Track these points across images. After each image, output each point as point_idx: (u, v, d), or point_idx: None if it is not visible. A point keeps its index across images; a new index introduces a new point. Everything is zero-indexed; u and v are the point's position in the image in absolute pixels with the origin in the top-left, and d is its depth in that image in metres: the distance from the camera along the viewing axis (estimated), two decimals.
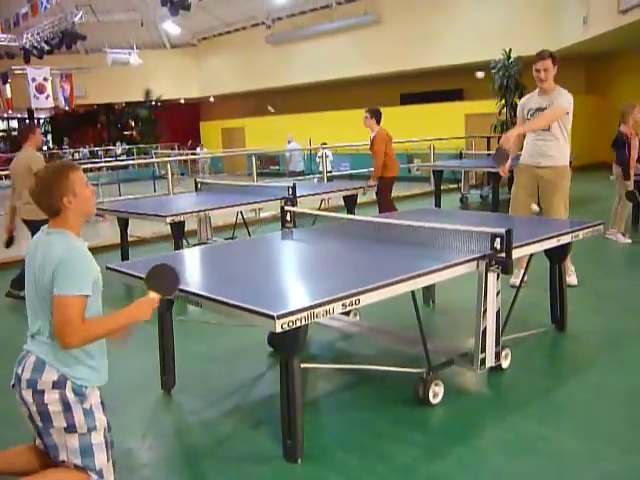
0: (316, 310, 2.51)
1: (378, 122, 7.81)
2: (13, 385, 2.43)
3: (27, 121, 30.12)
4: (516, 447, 2.88)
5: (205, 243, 6.99)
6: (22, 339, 2.49)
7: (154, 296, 2.48)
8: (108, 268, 3.39)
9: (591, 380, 3.61)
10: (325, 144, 13.67)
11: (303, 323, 2.47)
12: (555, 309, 4.36)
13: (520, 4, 16.12)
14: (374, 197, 8.29)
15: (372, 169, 7.94)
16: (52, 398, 2.34)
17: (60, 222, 2.39)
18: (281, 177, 15.87)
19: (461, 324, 4.48)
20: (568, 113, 5.00)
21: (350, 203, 7.51)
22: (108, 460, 2.43)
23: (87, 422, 2.38)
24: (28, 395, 2.35)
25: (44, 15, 19.06)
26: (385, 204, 7.92)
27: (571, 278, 5.26)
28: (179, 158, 21.01)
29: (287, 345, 2.66)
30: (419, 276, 2.95)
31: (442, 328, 4.64)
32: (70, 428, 2.36)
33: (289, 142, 16.46)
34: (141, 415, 3.42)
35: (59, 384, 2.34)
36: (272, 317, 2.38)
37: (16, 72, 23.08)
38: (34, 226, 5.60)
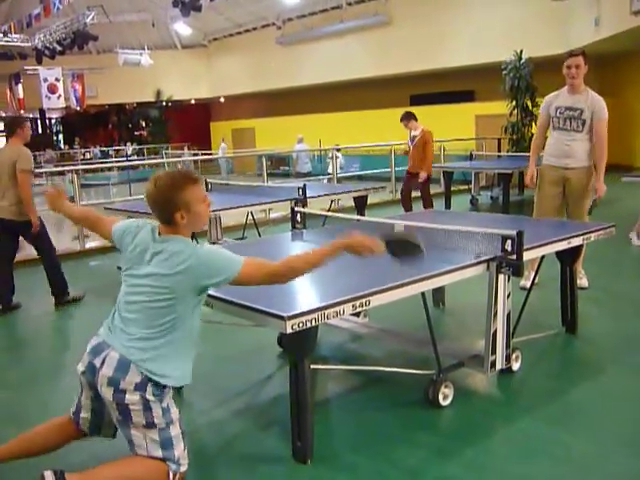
0: (326, 311, 2.51)
1: (416, 120, 8.66)
2: (83, 372, 2.47)
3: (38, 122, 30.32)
4: (526, 450, 2.87)
5: (215, 243, 7.00)
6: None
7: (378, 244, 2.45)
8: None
9: (602, 383, 3.59)
10: (338, 146, 13.65)
11: (313, 324, 2.48)
12: (566, 311, 4.33)
13: (531, 5, 16.06)
14: (384, 198, 8.38)
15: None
16: (134, 399, 2.36)
17: (172, 230, 2.44)
18: (289, 178, 15.85)
19: (471, 326, 4.46)
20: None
21: (360, 204, 7.50)
22: (184, 449, 2.49)
23: (165, 418, 2.42)
24: (108, 393, 2.37)
25: (56, 16, 19.21)
26: (430, 198, 8.83)
27: (582, 281, 5.22)
28: (190, 158, 21.06)
29: (297, 346, 2.66)
30: (429, 278, 2.95)
31: (452, 330, 4.62)
32: (150, 425, 2.40)
33: (298, 142, 16.45)
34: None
35: (142, 386, 2.37)
36: (282, 318, 2.39)
37: (28, 72, 23.28)
38: (11, 226, 5.36)
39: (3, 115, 25.62)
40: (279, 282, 2.46)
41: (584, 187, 5.08)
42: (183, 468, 2.47)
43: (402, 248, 2.52)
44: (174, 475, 2.42)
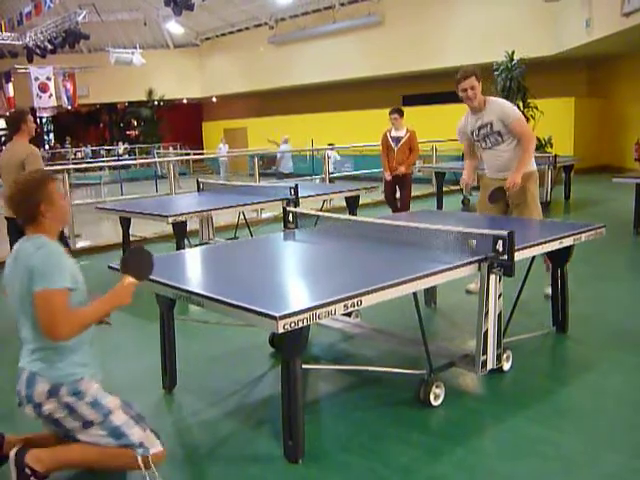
0: (318, 311, 2.51)
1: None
2: (19, 404, 2.50)
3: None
4: (517, 449, 2.88)
5: (207, 243, 7.00)
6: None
7: (131, 281, 2.57)
8: (110, 267, 3.39)
9: (593, 382, 3.61)
10: (332, 145, 13.63)
11: (305, 324, 2.48)
12: (557, 311, 4.35)
13: (523, 6, 16.13)
14: (375, 198, 8.34)
15: (379, 167, 8.23)
16: (51, 407, 2.40)
17: (37, 229, 2.47)
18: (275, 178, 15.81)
19: (463, 326, 4.48)
20: (520, 115, 4.87)
21: (352, 204, 7.51)
22: (144, 431, 2.50)
23: (98, 411, 2.44)
24: (31, 411, 2.43)
25: (47, 14, 19.14)
26: (408, 199, 8.46)
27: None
28: (181, 158, 21.00)
29: (289, 346, 2.66)
30: (421, 278, 2.96)
31: (444, 330, 4.64)
32: (87, 425, 2.43)
33: (283, 143, 16.39)
34: (143, 414, 3.42)
35: (53, 392, 2.39)
36: (274, 318, 2.38)
37: (19, 71, 23.18)
38: (14, 225, 5.09)
39: None
40: (59, 333, 2.34)
41: (524, 193, 4.85)
42: (154, 449, 2.49)
43: (136, 263, 2.63)
44: (144, 458, 2.45)
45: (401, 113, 8.32)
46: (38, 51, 20.46)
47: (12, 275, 2.44)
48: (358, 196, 7.49)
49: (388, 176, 8.31)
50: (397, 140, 8.27)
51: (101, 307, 2.51)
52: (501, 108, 4.80)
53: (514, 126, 4.73)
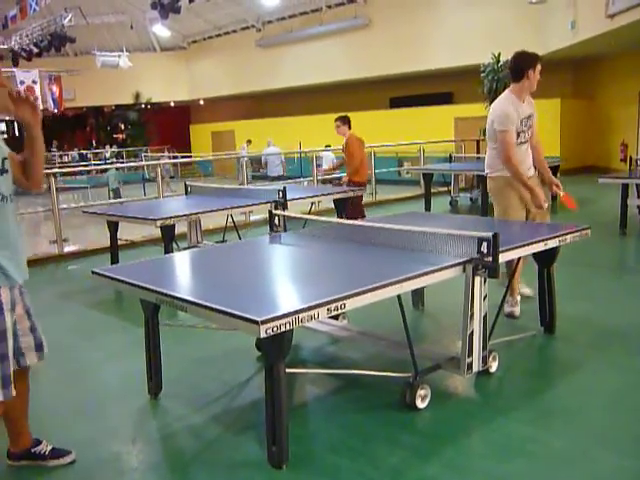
0: (301, 315, 2.49)
1: (349, 128, 8.15)
2: None
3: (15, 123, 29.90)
4: (505, 449, 2.88)
5: (195, 246, 6.97)
6: None
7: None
8: (94, 273, 3.36)
9: (580, 382, 3.61)
10: (329, 146, 13.60)
11: (288, 328, 2.46)
12: (544, 312, 4.36)
13: (508, 8, 16.22)
14: (364, 200, 8.31)
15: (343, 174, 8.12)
16: None
17: None
18: (265, 180, 15.80)
19: (450, 328, 4.47)
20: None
21: (340, 207, 7.50)
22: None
23: None
24: None
25: (33, 17, 18.99)
26: (357, 208, 7.90)
27: (517, 299, 4.74)
28: (170, 161, 20.95)
29: (272, 350, 2.64)
30: (405, 280, 2.94)
31: (431, 332, 4.64)
32: None
33: (268, 145, 16.35)
34: (128, 420, 3.39)
35: None
36: (256, 322, 2.36)
37: (4, 74, 22.95)
38: None
39: None
40: None
41: (492, 195, 4.87)
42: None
43: None
44: None
45: (342, 121, 8.15)
46: (24, 54, 20.34)
47: None
48: (346, 198, 7.48)
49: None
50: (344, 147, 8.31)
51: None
52: (493, 108, 4.71)
53: (535, 122, 4.70)
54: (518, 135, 4.58)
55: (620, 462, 2.75)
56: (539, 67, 4.56)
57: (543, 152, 4.89)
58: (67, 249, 8.31)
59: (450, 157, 12.35)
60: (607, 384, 3.56)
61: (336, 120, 8.19)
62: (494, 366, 3.65)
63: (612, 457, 2.79)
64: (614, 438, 2.96)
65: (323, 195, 7.60)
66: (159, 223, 5.54)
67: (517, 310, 4.67)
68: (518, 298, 4.72)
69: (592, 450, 2.84)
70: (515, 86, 4.60)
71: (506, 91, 4.67)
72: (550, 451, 2.85)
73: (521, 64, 4.56)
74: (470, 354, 3.37)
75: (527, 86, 4.57)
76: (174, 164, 22.54)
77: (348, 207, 7.56)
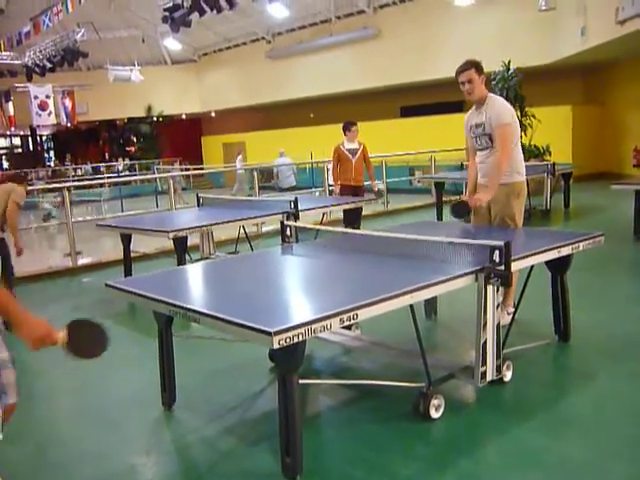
0: (313, 326, 2.50)
1: (345, 134, 8.43)
2: None
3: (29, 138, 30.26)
4: (519, 459, 2.86)
5: (207, 258, 6.99)
6: None
7: (60, 338, 2.22)
8: (107, 285, 3.39)
9: (595, 391, 3.58)
10: None
11: (300, 339, 2.46)
12: (558, 320, 4.34)
13: (518, 16, 16.21)
14: (376, 209, 8.35)
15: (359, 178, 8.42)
16: None
17: None
18: (273, 191, 15.82)
19: (463, 337, 4.45)
20: (510, 124, 4.48)
21: (351, 217, 7.50)
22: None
23: None
24: None
25: (46, 33, 19.22)
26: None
27: (507, 313, 4.34)
28: (181, 173, 21.05)
29: (285, 361, 2.65)
30: (416, 290, 2.94)
31: (444, 341, 4.62)
32: None
33: (280, 156, 16.39)
34: (142, 431, 3.41)
35: None
36: (269, 333, 2.37)
37: (18, 90, 23.30)
38: None
39: None
40: None
41: (503, 207, 4.55)
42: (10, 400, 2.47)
43: (87, 333, 2.34)
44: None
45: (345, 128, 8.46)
46: (37, 70, 20.55)
47: None
48: (359, 208, 7.48)
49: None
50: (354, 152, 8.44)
51: (12, 310, 2.18)
52: (497, 109, 4.51)
53: (497, 133, 4.43)
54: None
55: (637, 472, 2.71)
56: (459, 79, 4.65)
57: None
58: (81, 262, 8.37)
59: (462, 165, 12.33)
60: (622, 393, 3.53)
61: (354, 125, 8.38)
62: (508, 375, 3.63)
63: (628, 467, 2.76)
64: (630, 448, 2.94)
65: (334, 205, 7.62)
66: (172, 235, 5.58)
67: (503, 320, 4.17)
68: (509, 309, 4.46)
69: (608, 460, 2.81)
70: None
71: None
72: (565, 462, 2.82)
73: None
74: (484, 363, 3.36)
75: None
76: (186, 176, 22.64)
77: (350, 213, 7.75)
